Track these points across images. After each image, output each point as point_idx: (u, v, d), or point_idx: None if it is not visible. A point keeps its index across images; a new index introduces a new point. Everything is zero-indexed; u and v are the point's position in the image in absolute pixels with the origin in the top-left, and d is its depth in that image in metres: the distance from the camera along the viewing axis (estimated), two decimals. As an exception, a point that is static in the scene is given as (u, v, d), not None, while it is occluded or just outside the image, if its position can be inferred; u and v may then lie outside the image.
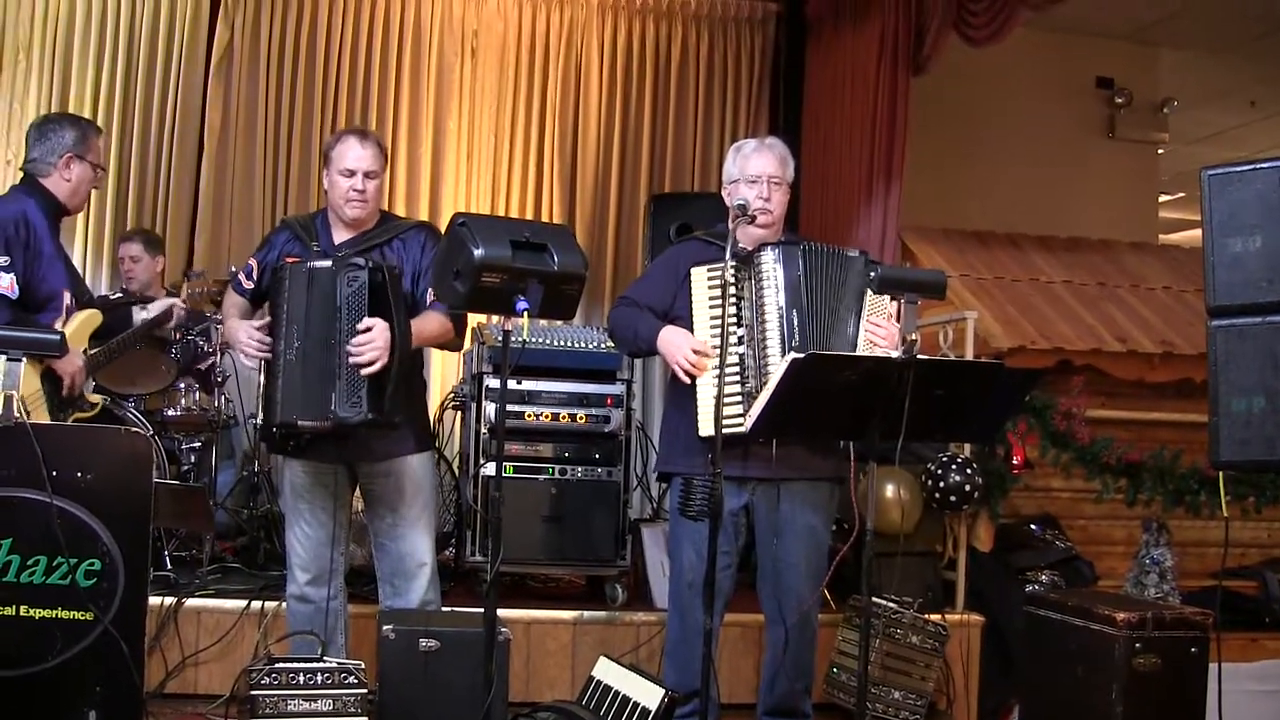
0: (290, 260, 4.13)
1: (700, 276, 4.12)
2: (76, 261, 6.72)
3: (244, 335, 4.11)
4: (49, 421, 3.92)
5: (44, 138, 4.21)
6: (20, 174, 4.27)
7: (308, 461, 4.23)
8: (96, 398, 4.33)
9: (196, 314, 5.59)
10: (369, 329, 3.92)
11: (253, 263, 4.36)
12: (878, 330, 4.05)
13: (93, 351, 4.28)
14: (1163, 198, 10.25)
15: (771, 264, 4.05)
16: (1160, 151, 9.24)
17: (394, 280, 4.06)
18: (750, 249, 4.12)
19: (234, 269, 4.79)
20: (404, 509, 4.28)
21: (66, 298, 4.15)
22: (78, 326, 4.17)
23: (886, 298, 4.02)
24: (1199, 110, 9.43)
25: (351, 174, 4.21)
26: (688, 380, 4.06)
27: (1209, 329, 3.17)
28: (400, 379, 4.03)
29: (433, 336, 4.22)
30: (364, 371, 3.91)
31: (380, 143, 4.34)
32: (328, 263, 4.05)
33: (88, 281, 6.63)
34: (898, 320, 4.05)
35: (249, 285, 4.34)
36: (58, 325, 4.06)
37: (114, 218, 6.99)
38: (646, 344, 4.19)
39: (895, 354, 3.43)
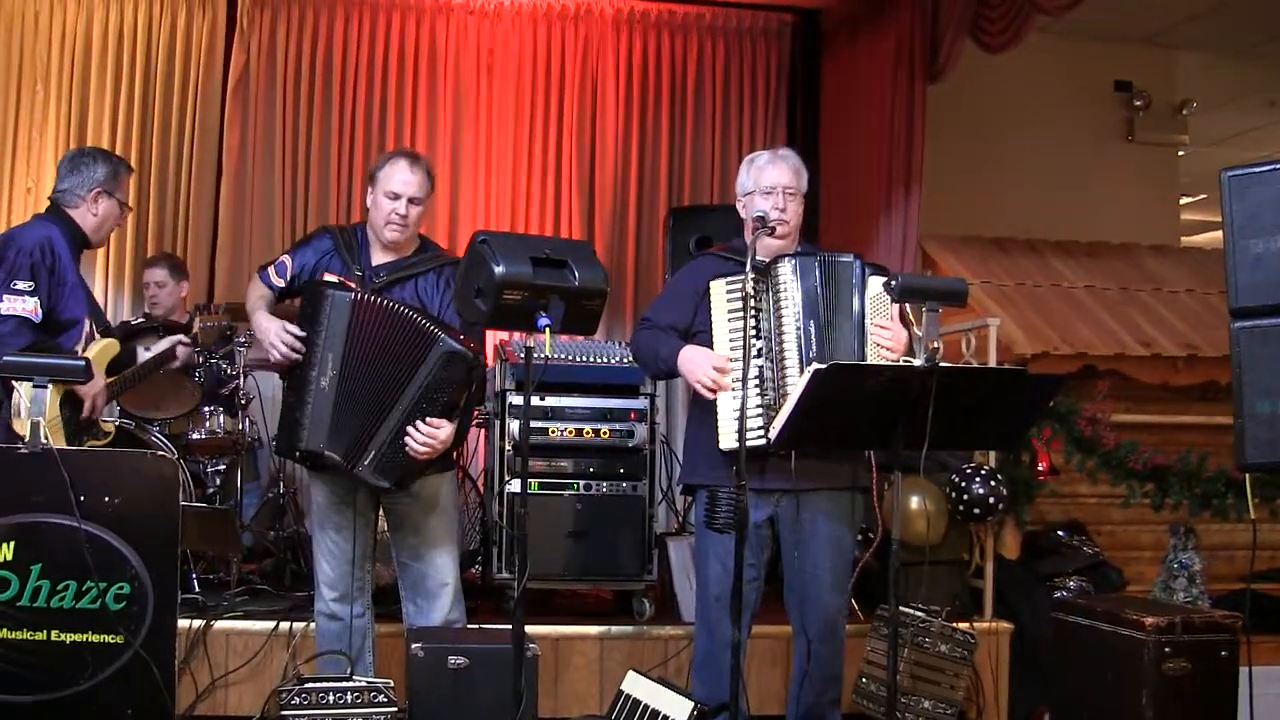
0: (372, 293, 4.03)
1: (719, 290, 4.10)
2: (98, 287, 6.78)
3: (275, 337, 4.02)
4: (67, 447, 3.94)
5: (76, 170, 4.25)
6: (47, 202, 4.31)
7: (329, 478, 4.22)
8: (110, 425, 4.35)
9: (216, 343, 5.60)
10: (438, 428, 3.90)
11: (286, 261, 4.24)
12: (883, 333, 4.04)
13: (109, 380, 4.31)
14: (1183, 200, 10.21)
15: (789, 275, 4.04)
16: (1180, 154, 9.20)
17: (482, 375, 4.04)
18: (767, 261, 4.10)
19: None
20: (426, 529, 4.26)
21: (87, 324, 4.18)
22: (97, 354, 4.19)
23: (887, 298, 4.01)
24: (1218, 112, 9.40)
25: (396, 197, 4.14)
26: (710, 397, 4.06)
27: (1232, 331, 3.16)
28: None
29: None
30: (410, 454, 3.92)
31: (430, 169, 4.28)
32: (442, 334, 3.89)
33: (110, 307, 6.72)
34: (902, 322, 4.05)
35: (280, 283, 4.23)
36: (78, 350, 4.10)
37: (134, 243, 7.03)
38: (668, 365, 4.18)
39: (917, 362, 3.42)
